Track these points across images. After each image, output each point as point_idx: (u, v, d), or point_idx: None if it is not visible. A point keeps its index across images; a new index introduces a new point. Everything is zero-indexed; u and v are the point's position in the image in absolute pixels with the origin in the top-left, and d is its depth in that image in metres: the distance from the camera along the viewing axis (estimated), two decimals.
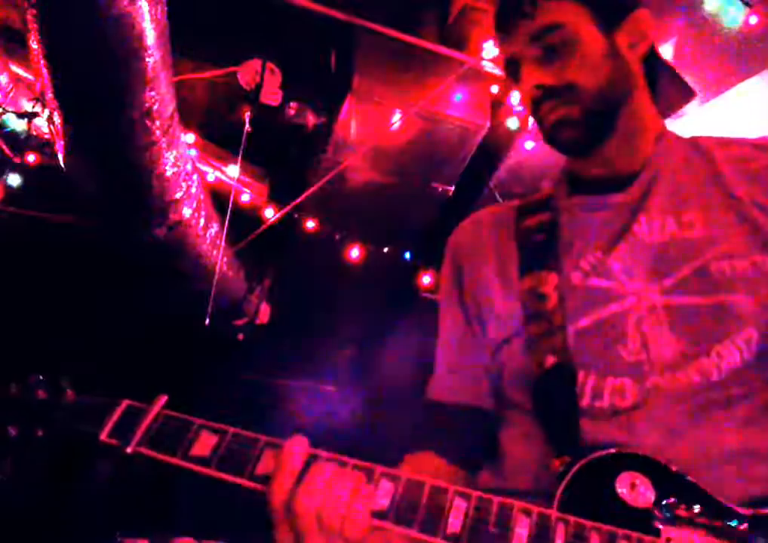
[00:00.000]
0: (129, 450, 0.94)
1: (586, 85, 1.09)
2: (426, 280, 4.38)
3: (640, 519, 0.88)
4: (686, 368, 0.99)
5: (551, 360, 1.05)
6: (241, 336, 4.75)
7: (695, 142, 1.18)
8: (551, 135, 1.13)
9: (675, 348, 1.01)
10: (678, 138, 1.19)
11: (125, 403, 0.99)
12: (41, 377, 1.03)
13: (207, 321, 3.62)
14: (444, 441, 1.18)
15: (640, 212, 1.10)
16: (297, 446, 0.91)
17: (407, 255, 4.58)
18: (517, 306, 1.12)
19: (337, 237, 4.24)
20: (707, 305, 1.01)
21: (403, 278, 4.56)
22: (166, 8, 2.34)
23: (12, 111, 3.52)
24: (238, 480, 0.91)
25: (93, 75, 2.32)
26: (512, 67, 1.16)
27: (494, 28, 1.18)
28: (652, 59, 1.18)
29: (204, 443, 0.94)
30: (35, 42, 2.16)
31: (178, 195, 3.14)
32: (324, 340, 5.06)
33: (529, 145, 3.80)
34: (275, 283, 4.81)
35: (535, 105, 1.13)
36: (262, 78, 3.74)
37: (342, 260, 4.26)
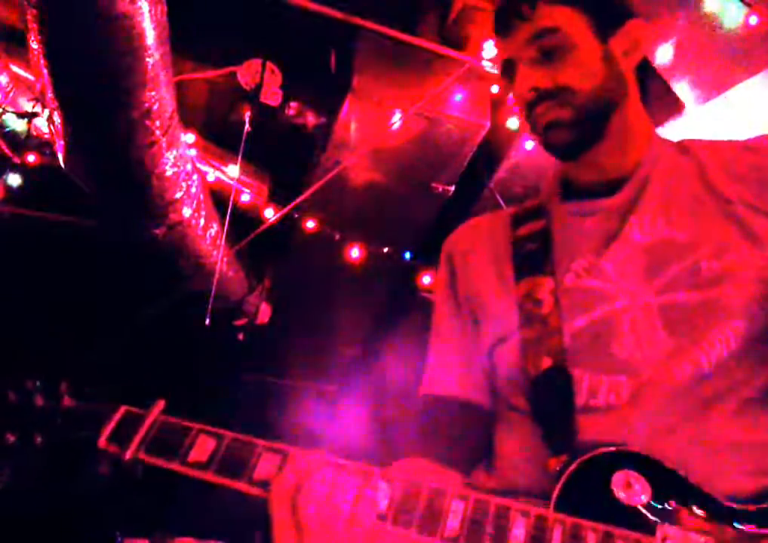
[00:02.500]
0: (127, 456, 0.95)
1: (580, 89, 1.11)
2: (426, 280, 4.38)
3: (636, 518, 0.89)
4: (678, 360, 1.01)
5: (547, 362, 1.06)
6: (241, 336, 4.75)
7: (684, 147, 1.20)
8: (543, 137, 1.15)
9: (668, 343, 1.02)
10: (668, 142, 1.21)
11: (123, 408, 1.00)
12: (38, 383, 1.03)
13: (207, 321, 3.62)
14: (437, 440, 1.19)
15: (631, 214, 1.12)
16: (304, 453, 0.92)
17: (407, 255, 4.58)
18: (513, 309, 1.14)
19: (337, 237, 4.24)
20: (697, 300, 1.03)
21: (403, 278, 4.56)
22: (166, 8, 2.34)
23: (12, 111, 3.52)
24: (237, 485, 0.92)
25: (92, 75, 2.32)
26: (508, 68, 1.18)
27: (493, 29, 1.20)
28: (645, 68, 1.21)
29: (202, 448, 0.94)
30: (35, 42, 2.16)
31: (178, 195, 3.14)
32: (324, 340, 5.06)
33: (529, 145, 3.79)
34: (275, 283, 4.81)
35: (528, 108, 1.15)
36: (262, 78, 3.74)
37: (342, 260, 4.25)
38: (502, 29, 1.17)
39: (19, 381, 1.03)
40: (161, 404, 1.00)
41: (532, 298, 1.12)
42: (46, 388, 1.04)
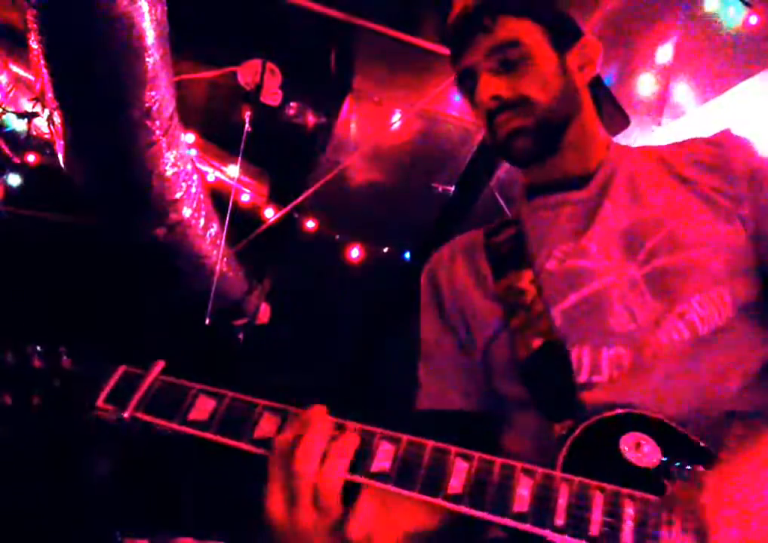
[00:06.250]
0: (126, 415, 0.93)
1: (539, 99, 1.16)
2: None
3: (646, 479, 0.88)
4: (674, 323, 1.03)
5: (537, 342, 1.07)
6: (241, 336, 4.75)
7: (645, 149, 1.25)
8: (504, 145, 1.18)
9: (659, 310, 1.04)
10: (627, 147, 1.27)
11: (122, 368, 0.99)
12: (38, 347, 1.02)
13: (207, 321, 3.62)
14: None
15: (603, 201, 1.16)
16: (316, 413, 0.91)
17: (407, 255, 4.58)
18: (497, 306, 1.15)
19: (337, 237, 4.24)
20: (677, 262, 1.06)
21: (403, 278, 4.56)
22: (166, 8, 2.34)
23: (12, 111, 3.52)
24: (237, 444, 0.91)
25: (93, 75, 2.32)
26: (467, 78, 1.21)
27: (448, 41, 1.23)
28: (597, 83, 1.26)
29: (202, 407, 0.93)
30: (35, 42, 2.16)
31: (178, 195, 3.14)
32: (324, 340, 5.06)
33: None
34: (275, 283, 4.81)
35: (489, 117, 1.18)
36: (262, 78, 3.73)
37: (342, 260, 4.25)
38: (462, 41, 1.20)
39: (17, 344, 1.02)
40: (160, 364, 0.98)
41: (513, 290, 1.14)
42: (44, 350, 1.01)
